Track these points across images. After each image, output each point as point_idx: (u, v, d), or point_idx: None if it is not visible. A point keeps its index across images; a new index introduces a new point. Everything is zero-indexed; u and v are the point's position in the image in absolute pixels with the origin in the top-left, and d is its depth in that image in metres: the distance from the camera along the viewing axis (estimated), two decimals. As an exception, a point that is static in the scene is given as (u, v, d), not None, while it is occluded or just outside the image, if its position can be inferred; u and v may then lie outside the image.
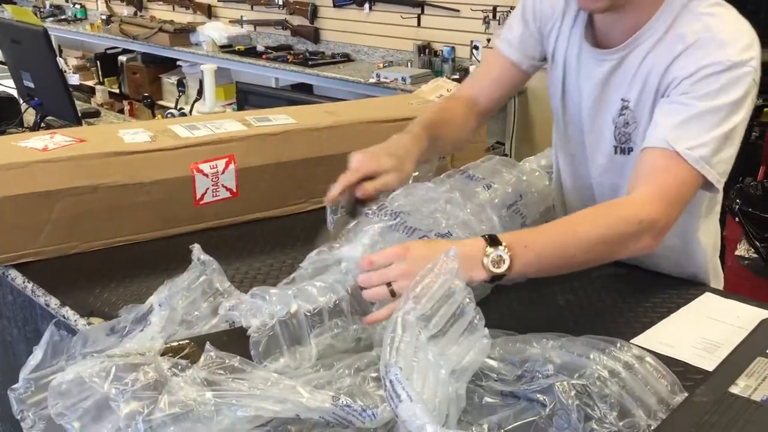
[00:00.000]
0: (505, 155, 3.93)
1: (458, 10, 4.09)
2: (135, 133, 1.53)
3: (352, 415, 0.82)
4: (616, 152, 1.32)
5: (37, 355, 0.96)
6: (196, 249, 1.12)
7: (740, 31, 1.15)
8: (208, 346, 0.83)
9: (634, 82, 1.24)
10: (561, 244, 1.07)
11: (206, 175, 1.53)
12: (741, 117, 1.14)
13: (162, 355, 0.89)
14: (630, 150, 1.30)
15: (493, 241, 1.02)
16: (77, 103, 2.63)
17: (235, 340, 0.99)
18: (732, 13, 1.18)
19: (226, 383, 0.79)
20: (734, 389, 0.85)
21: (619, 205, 1.15)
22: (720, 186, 1.16)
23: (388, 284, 0.98)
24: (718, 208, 1.44)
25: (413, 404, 0.75)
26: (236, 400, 0.78)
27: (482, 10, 3.90)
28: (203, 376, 0.78)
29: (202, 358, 0.81)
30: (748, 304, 1.28)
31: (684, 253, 1.40)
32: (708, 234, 1.43)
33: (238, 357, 0.83)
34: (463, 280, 0.96)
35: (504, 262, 1.01)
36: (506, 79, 1.44)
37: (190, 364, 0.81)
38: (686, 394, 0.90)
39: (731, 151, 1.15)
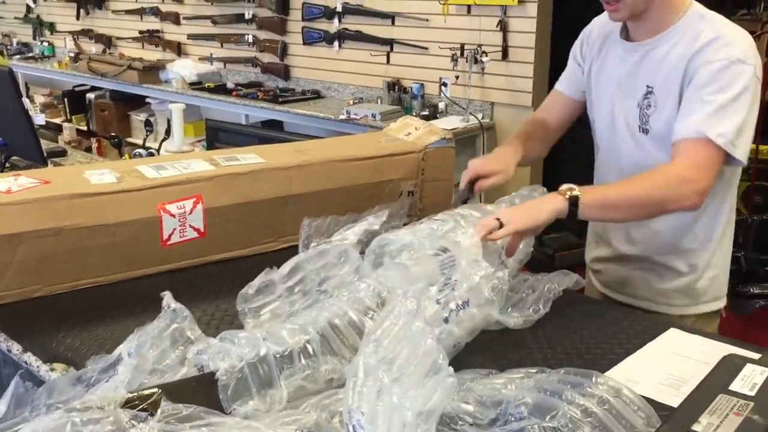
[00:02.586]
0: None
1: (427, 48, 4.15)
2: (101, 174, 1.52)
3: None
4: (639, 131, 1.57)
5: (0, 406, 0.94)
6: (167, 297, 1.11)
7: (741, 36, 1.47)
8: (163, 401, 0.82)
9: (660, 70, 1.52)
10: (621, 191, 1.45)
11: (173, 216, 1.52)
12: (749, 102, 1.43)
13: (126, 403, 0.87)
14: (647, 131, 1.56)
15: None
16: (43, 141, 2.61)
17: (203, 386, 0.98)
18: (732, 24, 1.50)
19: (184, 431, 0.78)
20: (697, 427, 0.85)
21: (664, 168, 1.46)
22: (745, 160, 1.45)
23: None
24: (730, 226, 1.65)
25: (375, 450, 0.75)
26: (195, 448, 0.76)
27: (450, 48, 3.95)
28: (160, 428, 0.77)
29: (158, 412, 0.80)
30: (713, 339, 1.30)
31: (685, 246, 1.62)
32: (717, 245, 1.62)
33: (194, 406, 0.82)
34: (546, 214, 1.37)
35: (575, 190, 1.38)
36: (564, 107, 1.82)
37: (151, 415, 0.80)
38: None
39: (749, 132, 1.44)
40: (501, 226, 1.34)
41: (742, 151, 1.44)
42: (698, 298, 1.64)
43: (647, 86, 1.54)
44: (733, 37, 1.45)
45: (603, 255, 1.76)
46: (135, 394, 0.89)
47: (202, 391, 0.96)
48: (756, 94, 1.45)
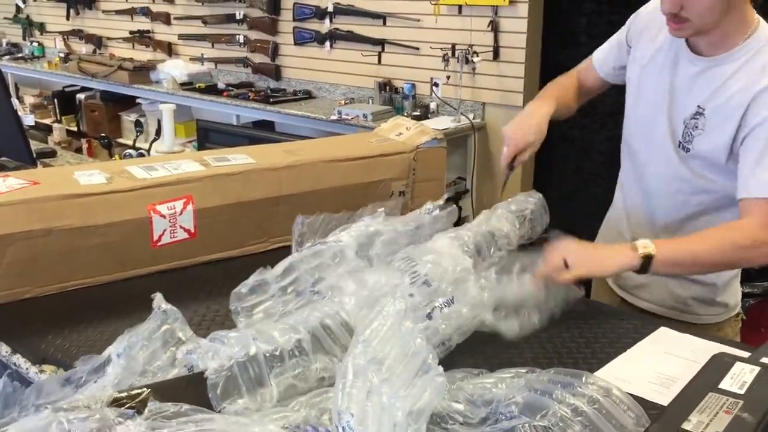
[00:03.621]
0: (467, 190, 3.97)
1: (418, 48, 4.15)
2: (90, 175, 1.52)
3: None
4: (679, 146, 1.51)
5: (-11, 407, 0.94)
6: (158, 298, 1.11)
7: None
8: (150, 400, 0.82)
9: (716, 94, 1.44)
10: (695, 252, 1.37)
11: (164, 216, 1.52)
12: None
13: (114, 402, 0.87)
14: (688, 150, 1.50)
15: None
16: (33, 142, 2.59)
17: (193, 386, 0.97)
18: None
19: (171, 427, 0.77)
20: (687, 426, 0.86)
21: (737, 226, 1.41)
22: None
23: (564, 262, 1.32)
24: None
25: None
26: (182, 442, 0.76)
27: (441, 48, 3.96)
28: (147, 426, 0.77)
29: (145, 410, 0.79)
30: (702, 338, 1.30)
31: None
32: None
33: (182, 404, 0.82)
34: (616, 268, 1.37)
35: (649, 247, 1.31)
36: (592, 80, 1.78)
37: (138, 412, 0.79)
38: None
39: None
40: (566, 266, 1.32)
41: None
42: (718, 307, 1.64)
43: (698, 106, 1.47)
44: None
45: None
46: (123, 393, 0.88)
47: (191, 390, 0.96)
48: None
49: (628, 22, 1.68)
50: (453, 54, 3.92)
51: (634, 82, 1.63)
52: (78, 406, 0.80)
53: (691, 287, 1.61)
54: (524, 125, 1.61)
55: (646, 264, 1.31)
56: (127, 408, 0.83)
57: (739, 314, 1.68)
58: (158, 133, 3.49)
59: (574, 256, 1.33)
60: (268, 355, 1.01)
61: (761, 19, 1.44)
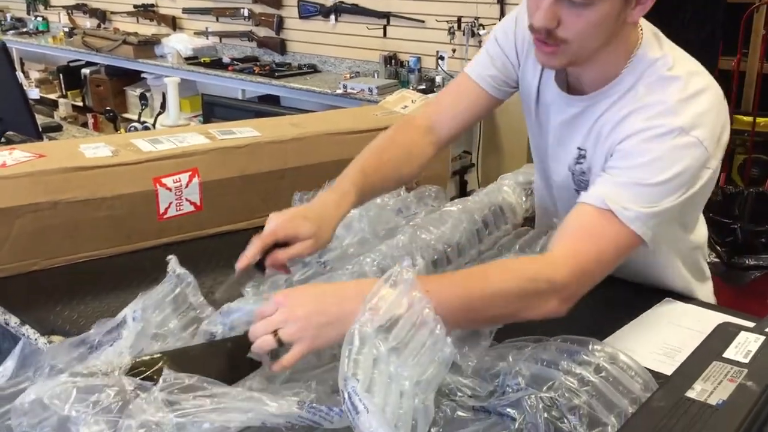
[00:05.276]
0: (472, 164, 3.96)
1: (423, 21, 4.12)
2: (96, 148, 1.52)
3: (318, 415, 0.82)
4: (577, 194, 1.16)
5: (8, 365, 0.95)
6: (173, 261, 1.12)
7: (697, 100, 1.08)
8: (165, 370, 0.83)
9: (591, 133, 1.19)
10: (467, 293, 0.97)
11: (169, 189, 1.52)
12: (684, 192, 1.07)
13: (131, 369, 0.88)
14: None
15: None
16: (38, 117, 2.59)
17: (208, 355, 0.98)
18: (698, 78, 1.11)
19: (188, 401, 0.78)
20: (691, 393, 0.86)
21: (534, 261, 1.11)
22: (653, 245, 1.09)
23: (275, 333, 0.89)
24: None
25: (370, 416, 0.75)
26: (199, 416, 0.77)
27: (447, 21, 3.93)
28: (163, 398, 0.78)
29: (160, 381, 0.80)
30: (707, 308, 1.30)
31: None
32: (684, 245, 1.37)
33: (197, 376, 0.83)
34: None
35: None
36: (475, 105, 1.36)
37: (154, 382, 0.80)
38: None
39: (669, 216, 1.09)
40: (281, 343, 0.90)
41: (654, 233, 1.07)
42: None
43: (578, 148, 1.23)
44: (683, 100, 1.08)
45: None
46: (139, 359, 0.89)
47: (206, 359, 0.97)
48: (702, 174, 1.08)
49: (504, 27, 1.33)
50: (459, 27, 3.89)
51: (531, 110, 1.34)
52: (95, 372, 0.81)
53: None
54: (301, 213, 1.15)
55: None
56: (144, 378, 0.85)
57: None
58: (163, 107, 3.48)
59: (294, 330, 0.90)
60: None
61: (644, 34, 1.16)
